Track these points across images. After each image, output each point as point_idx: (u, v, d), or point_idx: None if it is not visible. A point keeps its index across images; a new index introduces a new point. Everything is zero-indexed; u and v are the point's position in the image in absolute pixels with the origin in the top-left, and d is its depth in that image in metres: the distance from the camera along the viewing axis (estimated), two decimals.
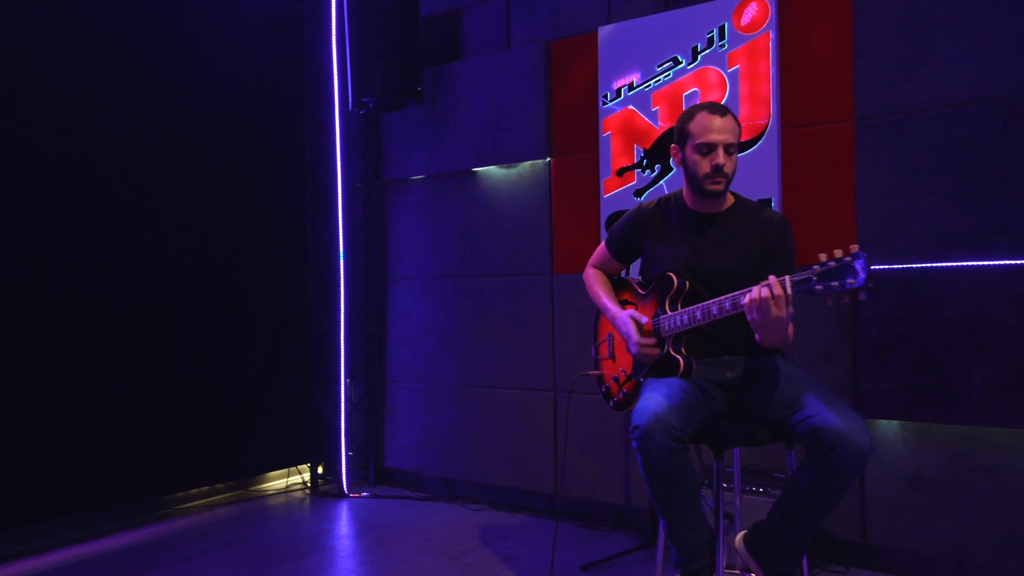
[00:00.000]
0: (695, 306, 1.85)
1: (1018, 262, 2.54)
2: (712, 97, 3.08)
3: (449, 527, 3.41)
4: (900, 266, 2.75)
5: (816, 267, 1.53)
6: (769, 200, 2.95)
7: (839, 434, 1.63)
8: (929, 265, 2.69)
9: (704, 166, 1.96)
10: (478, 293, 3.84)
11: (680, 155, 2.04)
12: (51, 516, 3.20)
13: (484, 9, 3.89)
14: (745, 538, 1.91)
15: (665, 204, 2.13)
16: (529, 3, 3.74)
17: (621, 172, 3.32)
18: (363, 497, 3.92)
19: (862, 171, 2.83)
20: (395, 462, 4.15)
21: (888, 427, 2.78)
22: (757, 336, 1.79)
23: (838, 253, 1.53)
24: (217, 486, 3.93)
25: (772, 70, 2.96)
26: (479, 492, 3.83)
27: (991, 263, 2.59)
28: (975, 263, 2.61)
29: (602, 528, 3.32)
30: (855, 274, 1.48)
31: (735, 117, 1.99)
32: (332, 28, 3.94)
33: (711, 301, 1.83)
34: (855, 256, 1.50)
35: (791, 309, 1.70)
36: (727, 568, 2.06)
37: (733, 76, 3.05)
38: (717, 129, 1.95)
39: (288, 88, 4.08)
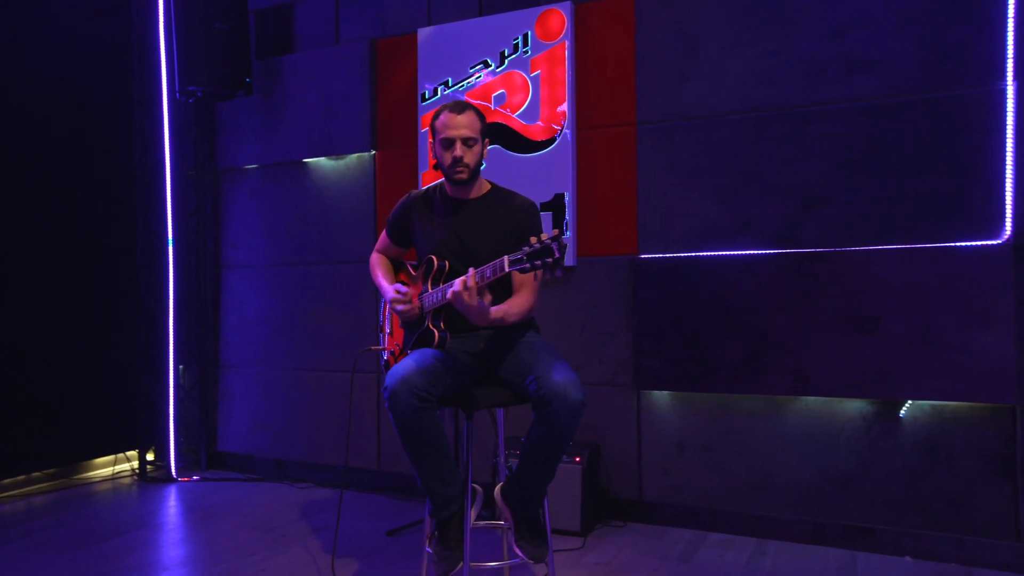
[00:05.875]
0: (445, 285, 2.09)
1: (760, 252, 2.96)
2: (516, 99, 3.35)
3: (273, 504, 3.54)
4: (672, 255, 3.11)
5: (526, 248, 1.81)
6: (563, 194, 3.26)
7: (555, 391, 1.91)
8: (694, 254, 3.07)
9: (447, 158, 2.22)
10: (309, 280, 3.97)
11: (434, 151, 2.29)
12: None
13: (315, 4, 4.00)
14: (501, 488, 2.17)
15: (431, 192, 2.37)
16: (357, 2, 3.89)
17: (437, 166, 3.53)
18: (193, 481, 3.97)
19: (643, 170, 3.18)
20: (228, 446, 4.22)
21: (660, 397, 3.14)
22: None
23: (544, 237, 1.81)
24: (35, 475, 3.85)
25: (568, 76, 3.27)
26: (308, 471, 3.96)
27: (741, 252, 2.99)
28: (729, 252, 3.01)
29: (417, 500, 3.54)
30: (551, 253, 1.78)
31: (477, 113, 2.24)
32: (160, 14, 3.94)
33: (443, 286, 2.08)
34: (553, 239, 1.79)
35: (489, 296, 1.99)
36: (492, 519, 2.32)
37: (535, 80, 3.33)
38: (455, 126, 2.20)
39: (116, 72, 4.04)
